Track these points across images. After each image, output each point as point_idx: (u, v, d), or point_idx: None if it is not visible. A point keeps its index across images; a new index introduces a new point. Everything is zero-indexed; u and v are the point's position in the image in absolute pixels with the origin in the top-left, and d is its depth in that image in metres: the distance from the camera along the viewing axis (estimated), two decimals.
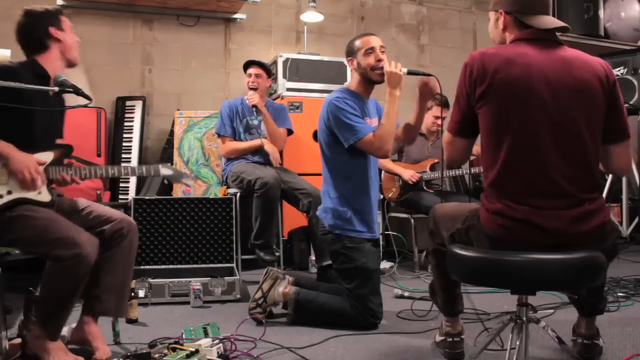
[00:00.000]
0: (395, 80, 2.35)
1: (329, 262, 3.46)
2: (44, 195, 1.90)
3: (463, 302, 2.07)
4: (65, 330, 2.14)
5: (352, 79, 2.57)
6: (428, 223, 1.99)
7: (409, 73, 2.39)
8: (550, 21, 1.67)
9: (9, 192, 1.83)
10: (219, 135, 3.76)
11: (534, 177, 1.57)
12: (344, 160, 2.44)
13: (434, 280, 2.05)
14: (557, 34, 1.69)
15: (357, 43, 2.47)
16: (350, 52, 2.50)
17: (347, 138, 2.37)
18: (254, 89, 3.74)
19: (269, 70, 3.88)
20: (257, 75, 3.78)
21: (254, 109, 3.72)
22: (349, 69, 4.44)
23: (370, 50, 2.43)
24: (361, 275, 2.39)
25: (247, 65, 3.85)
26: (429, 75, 2.39)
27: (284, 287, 2.51)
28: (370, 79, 2.46)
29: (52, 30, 2.05)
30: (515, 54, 1.61)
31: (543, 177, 1.56)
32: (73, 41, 2.13)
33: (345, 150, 2.41)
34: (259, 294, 2.53)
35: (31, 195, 1.87)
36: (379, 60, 2.43)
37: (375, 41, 2.45)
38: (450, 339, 2.01)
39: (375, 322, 2.38)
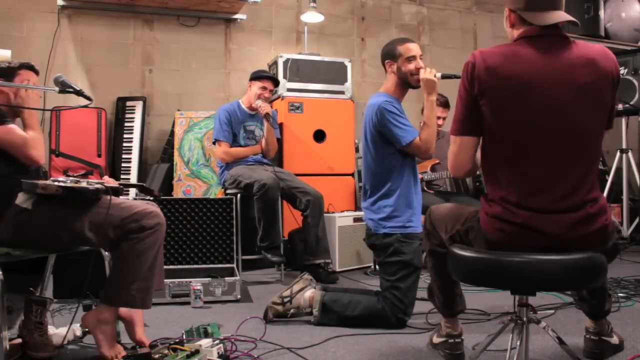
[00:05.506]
0: (430, 86, 2.49)
1: (321, 260, 3.50)
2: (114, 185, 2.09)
3: (464, 302, 2.07)
4: (65, 331, 2.15)
5: (387, 83, 2.62)
6: (425, 224, 1.99)
7: (443, 77, 2.51)
8: (554, 17, 1.60)
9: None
10: (217, 141, 3.77)
11: (535, 180, 1.55)
12: (395, 159, 2.51)
13: (432, 281, 2.05)
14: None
15: (400, 49, 2.56)
16: (391, 56, 2.58)
17: (398, 140, 2.46)
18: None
19: (278, 86, 4.06)
20: (270, 91, 3.86)
21: (260, 116, 3.74)
22: (349, 69, 4.52)
23: (412, 58, 2.54)
24: (405, 270, 2.43)
25: (262, 77, 3.85)
26: (460, 77, 2.41)
27: (311, 292, 2.54)
28: (410, 83, 2.56)
29: None
30: (515, 53, 1.58)
31: (544, 180, 1.54)
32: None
33: (396, 150, 2.50)
34: (288, 292, 2.57)
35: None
36: (419, 68, 2.53)
37: (416, 49, 2.56)
38: (452, 340, 2.00)
39: (405, 319, 2.40)
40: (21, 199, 1.95)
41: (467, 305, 2.10)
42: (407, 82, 2.56)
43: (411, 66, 2.53)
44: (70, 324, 2.08)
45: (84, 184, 1.95)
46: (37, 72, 2.26)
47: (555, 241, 1.53)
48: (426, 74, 2.48)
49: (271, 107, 4.17)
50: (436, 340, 2.08)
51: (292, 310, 2.54)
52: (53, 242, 1.98)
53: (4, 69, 2.18)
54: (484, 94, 1.58)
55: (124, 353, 1.95)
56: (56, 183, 1.90)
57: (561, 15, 1.61)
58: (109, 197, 1.95)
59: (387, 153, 2.52)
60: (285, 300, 2.54)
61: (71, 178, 2.00)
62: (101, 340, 1.94)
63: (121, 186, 2.12)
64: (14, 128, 2.02)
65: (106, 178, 2.17)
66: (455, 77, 2.45)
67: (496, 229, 1.58)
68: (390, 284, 2.43)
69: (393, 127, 2.46)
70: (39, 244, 2.00)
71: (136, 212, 1.95)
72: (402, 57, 2.55)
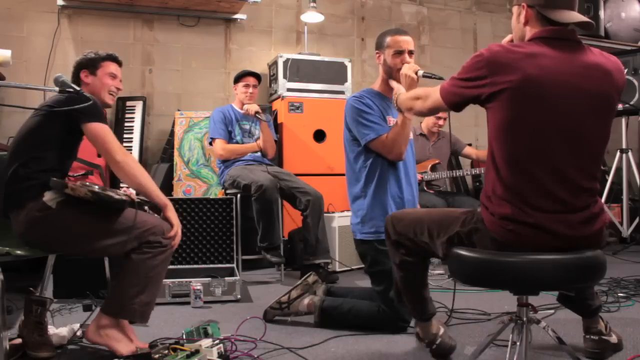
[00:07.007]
0: (408, 83, 2.26)
1: (321, 260, 3.49)
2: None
3: (433, 304, 2.05)
4: (65, 331, 2.15)
5: (378, 77, 2.51)
6: (389, 234, 1.93)
7: (424, 76, 2.31)
8: (572, 16, 1.60)
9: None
10: (213, 139, 3.80)
11: (546, 181, 1.54)
12: (366, 158, 2.39)
13: (402, 292, 2.02)
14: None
15: (388, 40, 2.41)
16: (380, 46, 2.45)
17: (361, 138, 2.36)
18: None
19: (260, 79, 4.01)
20: (254, 86, 3.88)
21: (254, 115, 3.75)
22: (349, 69, 4.52)
23: (399, 52, 2.39)
24: (389, 279, 2.30)
25: (241, 76, 3.91)
26: (442, 79, 2.25)
27: (309, 299, 2.49)
28: (394, 79, 2.41)
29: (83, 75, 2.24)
30: (533, 53, 1.55)
31: (556, 182, 1.54)
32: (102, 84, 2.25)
33: (365, 148, 2.38)
34: (285, 299, 2.51)
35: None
36: (405, 63, 2.35)
37: (406, 43, 2.39)
38: (438, 340, 1.99)
39: (404, 325, 2.33)
40: (48, 196, 1.92)
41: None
42: (391, 77, 2.41)
43: (396, 61, 2.37)
44: (82, 323, 2.08)
45: (109, 192, 1.90)
46: (119, 63, 2.31)
47: (565, 241, 1.54)
48: (406, 69, 2.27)
49: (271, 107, 4.19)
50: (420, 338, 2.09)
51: (291, 316, 2.52)
52: (66, 247, 1.98)
53: (90, 59, 2.24)
54: (497, 94, 1.54)
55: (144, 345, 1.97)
56: (85, 187, 1.86)
57: (577, 16, 1.62)
58: (134, 210, 1.93)
59: (357, 152, 2.41)
60: (283, 306, 2.51)
61: (96, 185, 1.94)
62: (112, 344, 1.94)
63: (142, 201, 2.06)
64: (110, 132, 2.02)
65: (124, 188, 2.16)
66: (438, 78, 2.26)
67: (507, 230, 1.56)
68: (379, 295, 2.35)
69: (357, 124, 2.35)
70: (49, 245, 1.98)
71: (156, 226, 1.98)
72: (390, 49, 2.39)
